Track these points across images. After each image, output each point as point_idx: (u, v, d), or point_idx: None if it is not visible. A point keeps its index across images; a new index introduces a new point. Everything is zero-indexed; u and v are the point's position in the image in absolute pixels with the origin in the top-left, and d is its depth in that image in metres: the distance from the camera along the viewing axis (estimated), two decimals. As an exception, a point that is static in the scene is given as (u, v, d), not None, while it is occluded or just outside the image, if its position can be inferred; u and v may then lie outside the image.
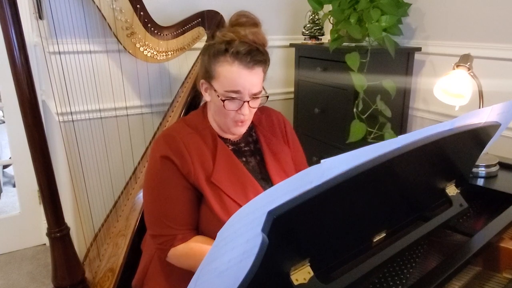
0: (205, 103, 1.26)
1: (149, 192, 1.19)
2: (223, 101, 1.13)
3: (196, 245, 1.13)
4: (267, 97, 1.19)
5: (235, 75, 1.11)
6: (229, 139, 1.25)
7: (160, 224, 1.15)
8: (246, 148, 1.27)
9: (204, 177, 1.13)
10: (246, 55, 1.10)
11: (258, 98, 1.16)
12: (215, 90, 1.15)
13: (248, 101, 1.14)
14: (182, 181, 1.14)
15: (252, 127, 1.30)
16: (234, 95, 1.12)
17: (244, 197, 1.15)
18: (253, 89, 1.13)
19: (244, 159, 1.25)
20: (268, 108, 1.37)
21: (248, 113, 1.15)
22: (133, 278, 1.37)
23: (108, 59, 1.86)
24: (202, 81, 1.20)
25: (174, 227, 1.14)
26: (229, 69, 1.11)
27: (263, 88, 1.18)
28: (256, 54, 1.12)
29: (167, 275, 1.23)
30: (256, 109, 1.20)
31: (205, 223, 1.16)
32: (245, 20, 1.18)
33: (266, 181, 1.23)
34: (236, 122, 1.16)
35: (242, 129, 1.21)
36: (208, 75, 1.17)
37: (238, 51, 1.10)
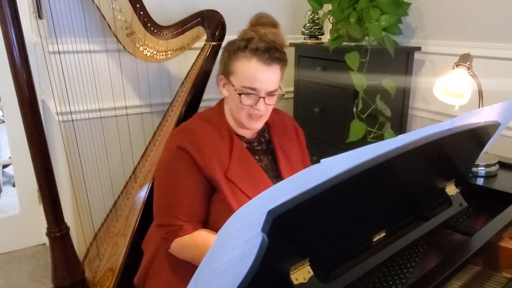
0: (222, 100, 1.29)
1: (160, 181, 1.22)
2: (240, 95, 1.15)
3: (199, 237, 1.15)
4: (283, 95, 1.21)
5: (253, 71, 1.14)
6: (244, 137, 1.27)
7: (167, 214, 1.17)
8: (258, 148, 1.30)
9: (221, 172, 1.15)
10: (265, 52, 1.13)
11: (274, 95, 1.19)
12: (232, 85, 1.17)
13: (263, 97, 1.16)
14: (195, 173, 1.16)
15: (265, 128, 1.32)
16: (250, 91, 1.15)
17: (257, 193, 1.15)
18: (269, 87, 1.16)
19: (257, 157, 1.27)
20: (282, 111, 1.40)
21: (263, 109, 1.18)
22: (133, 277, 1.37)
23: (107, 59, 1.86)
24: (220, 76, 1.23)
25: (181, 217, 1.15)
26: (247, 64, 1.14)
27: (280, 87, 1.20)
28: (274, 52, 1.15)
29: (169, 272, 1.24)
30: (272, 106, 1.22)
31: (217, 217, 1.18)
32: (265, 21, 1.24)
33: (278, 179, 1.25)
34: (251, 116, 1.19)
35: (257, 125, 1.23)
36: (226, 71, 1.20)
37: (257, 47, 1.14)
